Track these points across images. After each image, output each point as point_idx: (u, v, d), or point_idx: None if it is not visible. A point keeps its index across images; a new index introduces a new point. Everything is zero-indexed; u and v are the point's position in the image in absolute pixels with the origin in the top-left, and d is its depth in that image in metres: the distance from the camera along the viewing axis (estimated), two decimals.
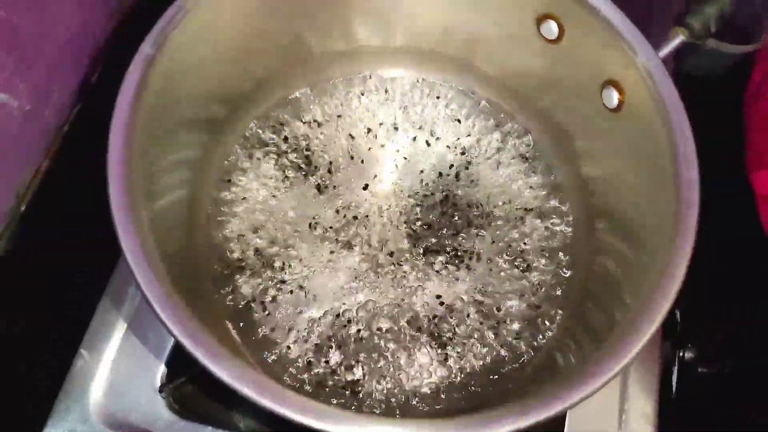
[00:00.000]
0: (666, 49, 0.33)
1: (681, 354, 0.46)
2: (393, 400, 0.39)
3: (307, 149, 0.47)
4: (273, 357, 0.40)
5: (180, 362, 0.40)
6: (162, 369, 0.40)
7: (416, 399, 0.39)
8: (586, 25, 0.35)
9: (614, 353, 0.26)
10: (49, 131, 0.51)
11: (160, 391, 0.38)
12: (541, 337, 0.41)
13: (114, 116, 0.30)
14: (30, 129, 0.48)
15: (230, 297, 0.42)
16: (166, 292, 0.25)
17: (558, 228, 0.45)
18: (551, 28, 0.38)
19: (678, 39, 0.33)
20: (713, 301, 0.50)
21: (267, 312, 0.41)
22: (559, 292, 0.42)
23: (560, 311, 0.41)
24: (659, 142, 0.31)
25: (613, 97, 0.36)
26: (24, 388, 0.43)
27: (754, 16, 0.77)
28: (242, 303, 0.41)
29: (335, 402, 0.39)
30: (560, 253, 0.43)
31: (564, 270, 0.43)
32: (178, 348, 0.40)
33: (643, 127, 0.33)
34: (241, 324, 0.41)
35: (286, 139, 0.47)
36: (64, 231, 0.49)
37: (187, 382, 0.38)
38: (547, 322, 0.41)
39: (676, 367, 0.46)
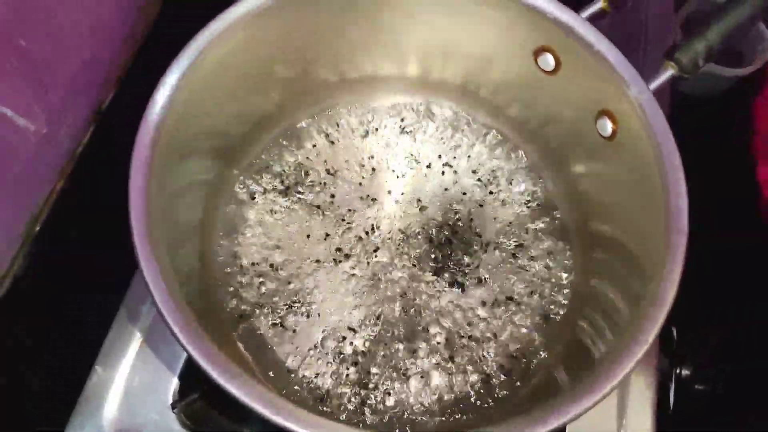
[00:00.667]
0: (656, 83, 0.34)
1: (678, 371, 0.47)
2: (398, 415, 0.41)
3: (314, 176, 0.49)
4: (283, 373, 0.41)
5: (192, 379, 0.41)
6: (174, 385, 0.41)
7: (421, 415, 0.40)
8: (580, 58, 0.36)
9: (608, 372, 0.27)
10: (64, 153, 0.52)
11: (173, 407, 0.39)
12: (540, 355, 0.42)
13: (135, 148, 0.31)
14: (46, 151, 0.50)
15: (241, 318, 0.43)
16: (185, 317, 0.27)
17: (556, 251, 0.46)
18: (548, 61, 0.39)
19: (668, 73, 0.35)
20: (707, 309, 0.52)
21: (276, 331, 0.43)
22: (557, 313, 0.43)
23: (558, 331, 0.42)
24: (651, 171, 0.32)
25: (607, 127, 0.37)
26: (24, 387, 0.45)
27: (748, 40, 0.80)
28: (252, 323, 0.43)
29: (343, 417, 0.40)
30: (558, 275, 0.45)
31: (562, 290, 0.44)
32: (189, 365, 0.42)
33: (636, 156, 0.34)
34: (252, 343, 0.42)
35: (293, 167, 0.49)
36: (76, 248, 0.51)
37: (199, 399, 0.39)
38: (546, 342, 0.43)
39: (672, 383, 0.47)
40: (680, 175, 0.30)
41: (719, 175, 0.62)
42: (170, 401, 0.40)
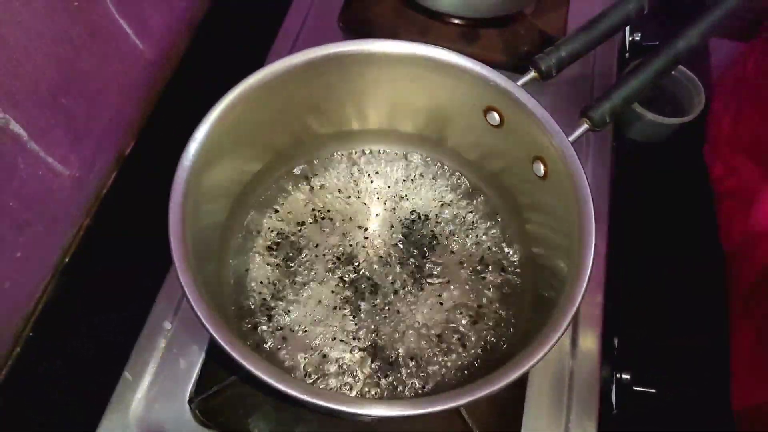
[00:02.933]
0: (574, 135, 0.41)
1: (618, 375, 0.54)
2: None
3: (311, 209, 0.55)
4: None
5: (205, 379, 0.48)
6: (191, 387, 0.47)
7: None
8: (518, 116, 0.44)
9: (521, 359, 0.34)
10: (92, 194, 0.60)
11: (190, 402, 0.45)
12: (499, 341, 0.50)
13: (171, 197, 0.37)
14: (77, 193, 0.57)
15: (249, 328, 0.49)
16: (222, 327, 0.33)
17: (507, 259, 0.53)
18: (495, 117, 0.47)
19: (583, 127, 0.42)
20: (645, 321, 0.59)
21: (276, 339, 0.49)
22: (509, 308, 0.51)
23: (513, 319, 0.51)
24: (571, 203, 0.40)
25: (541, 169, 0.44)
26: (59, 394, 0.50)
27: (686, 93, 0.91)
28: (256, 333, 0.49)
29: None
30: (506, 275, 0.53)
31: (511, 286, 0.52)
32: (203, 370, 0.48)
33: (561, 191, 0.42)
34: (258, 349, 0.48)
35: (291, 203, 0.55)
36: (101, 276, 0.57)
37: (211, 396, 0.46)
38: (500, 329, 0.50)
39: (614, 386, 0.54)
40: (589, 206, 0.38)
41: (663, 204, 0.72)
42: (187, 399, 0.46)
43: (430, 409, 0.31)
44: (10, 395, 0.49)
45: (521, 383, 0.50)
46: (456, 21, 0.68)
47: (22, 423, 0.49)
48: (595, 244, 0.37)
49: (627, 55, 0.79)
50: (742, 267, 0.63)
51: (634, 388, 0.53)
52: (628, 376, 0.54)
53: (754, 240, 0.63)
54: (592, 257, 0.36)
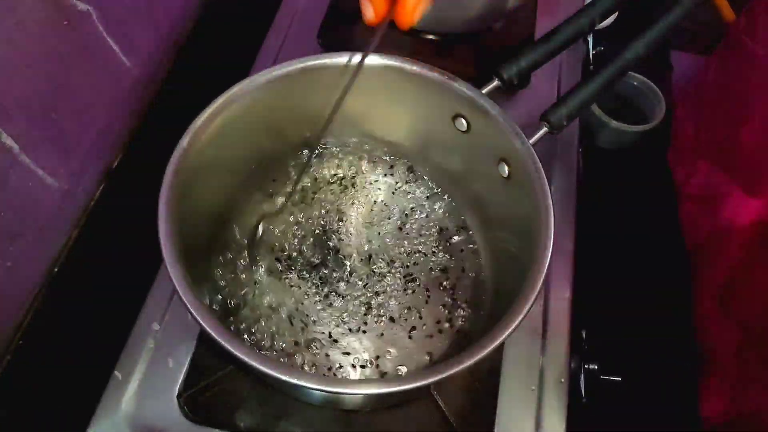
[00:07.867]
0: (534, 138, 0.44)
1: (587, 365, 0.57)
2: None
3: (292, 218, 0.58)
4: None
5: (192, 378, 0.50)
6: (178, 386, 0.49)
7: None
8: (484, 121, 0.47)
9: (485, 341, 0.37)
10: (80, 207, 0.61)
11: (178, 397, 0.47)
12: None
13: (159, 208, 0.40)
14: (66, 205, 0.59)
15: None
16: (209, 314, 0.35)
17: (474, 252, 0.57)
18: (462, 123, 0.49)
19: (542, 130, 0.45)
20: (611, 314, 0.62)
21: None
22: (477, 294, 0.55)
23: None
24: (532, 200, 0.43)
25: (505, 170, 0.47)
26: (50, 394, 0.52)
27: (648, 102, 0.96)
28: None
29: None
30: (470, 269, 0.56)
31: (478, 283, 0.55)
32: (191, 368, 0.50)
33: (524, 189, 0.44)
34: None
35: (269, 204, 0.58)
36: (90, 282, 0.59)
37: (198, 392, 0.48)
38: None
39: (582, 375, 0.57)
40: (547, 201, 0.41)
41: (629, 204, 0.76)
42: (175, 396, 0.48)
43: (403, 387, 0.34)
44: (2, 399, 0.51)
45: (495, 373, 0.52)
46: (430, 37, 0.72)
47: (15, 425, 0.50)
48: (555, 238, 0.40)
49: (591, 66, 0.84)
50: (710, 266, 0.66)
51: (602, 377, 0.56)
52: (595, 367, 0.56)
53: (721, 240, 0.66)
54: (551, 242, 0.39)
